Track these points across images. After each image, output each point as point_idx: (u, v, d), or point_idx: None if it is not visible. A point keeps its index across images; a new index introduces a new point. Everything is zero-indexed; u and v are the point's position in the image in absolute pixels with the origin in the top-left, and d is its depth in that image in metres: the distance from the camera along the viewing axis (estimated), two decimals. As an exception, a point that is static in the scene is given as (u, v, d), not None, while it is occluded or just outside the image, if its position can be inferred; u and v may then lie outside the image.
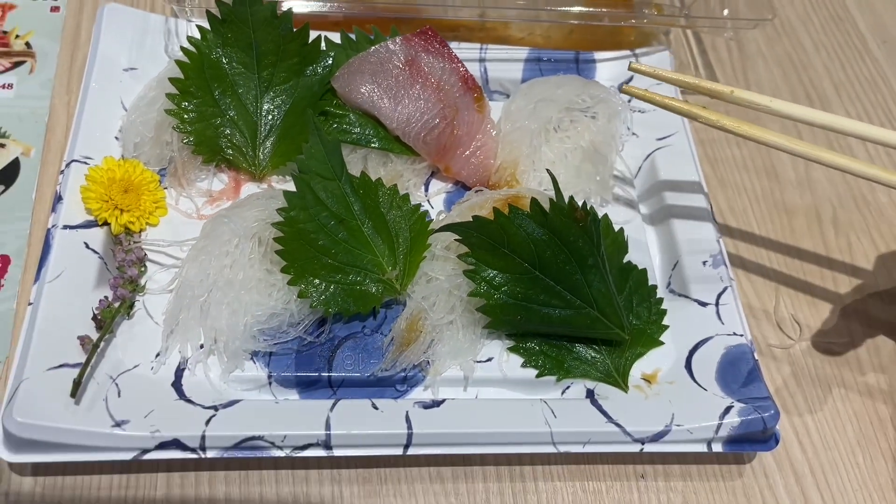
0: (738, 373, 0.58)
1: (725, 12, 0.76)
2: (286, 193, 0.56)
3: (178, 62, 0.62)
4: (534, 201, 0.55)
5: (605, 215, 0.62)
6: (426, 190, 0.68)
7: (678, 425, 0.55)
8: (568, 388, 0.59)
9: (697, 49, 0.85)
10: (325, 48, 0.66)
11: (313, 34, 0.65)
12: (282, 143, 0.65)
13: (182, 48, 0.63)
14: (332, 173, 0.58)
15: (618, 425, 0.55)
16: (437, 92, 0.65)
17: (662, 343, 0.61)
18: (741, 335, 0.60)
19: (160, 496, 0.53)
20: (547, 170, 0.59)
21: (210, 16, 0.63)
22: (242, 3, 0.63)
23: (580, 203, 0.56)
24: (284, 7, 0.65)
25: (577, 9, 0.73)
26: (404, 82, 0.65)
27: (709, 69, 0.84)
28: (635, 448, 0.55)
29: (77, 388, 0.50)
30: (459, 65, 0.68)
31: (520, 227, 0.55)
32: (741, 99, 0.57)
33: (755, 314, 0.67)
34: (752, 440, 0.56)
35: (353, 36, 0.69)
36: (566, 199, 0.56)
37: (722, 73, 0.84)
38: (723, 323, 0.61)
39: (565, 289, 0.57)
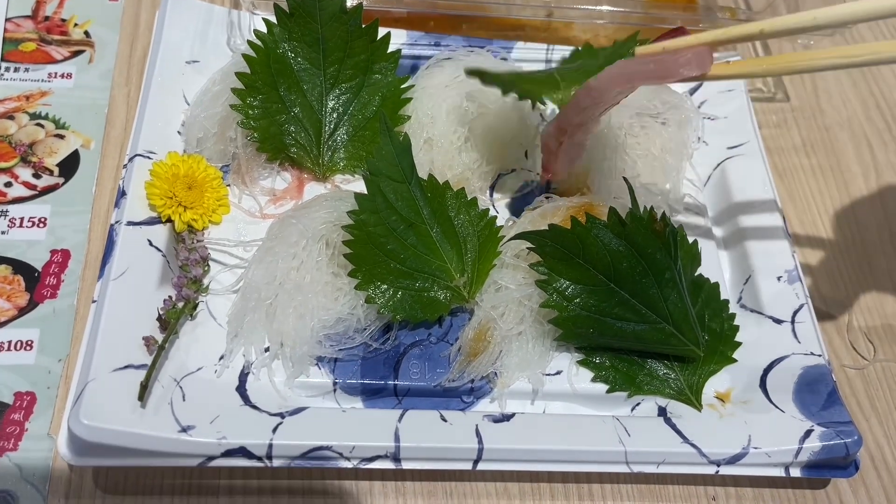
0: (817, 395, 0.56)
1: (800, 18, 0.73)
2: (357, 196, 0.55)
3: (245, 56, 0.61)
4: (612, 210, 0.53)
5: (681, 226, 0.59)
6: (491, 194, 0.66)
7: (756, 448, 0.53)
8: (638, 404, 0.57)
9: (764, 54, 0.83)
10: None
11: (381, 31, 0.63)
12: (347, 144, 0.63)
13: (249, 42, 0.61)
14: (402, 176, 0.56)
15: (693, 446, 0.53)
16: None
17: (735, 360, 0.59)
18: (819, 355, 0.58)
19: (222, 503, 0.52)
20: (623, 178, 0.57)
21: (278, 9, 0.61)
22: (312, -4, 0.61)
23: (657, 214, 0.54)
24: (351, 2, 0.64)
25: (647, 12, 0.71)
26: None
27: (776, 76, 0.81)
28: (710, 470, 0.53)
29: (144, 392, 0.49)
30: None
31: (597, 237, 0.53)
32: (778, 30, 0.48)
33: (826, 332, 0.65)
34: (830, 466, 0.54)
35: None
36: (641, 209, 0.54)
37: (789, 81, 0.81)
38: (799, 342, 0.59)
39: (640, 302, 0.55)
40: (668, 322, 0.55)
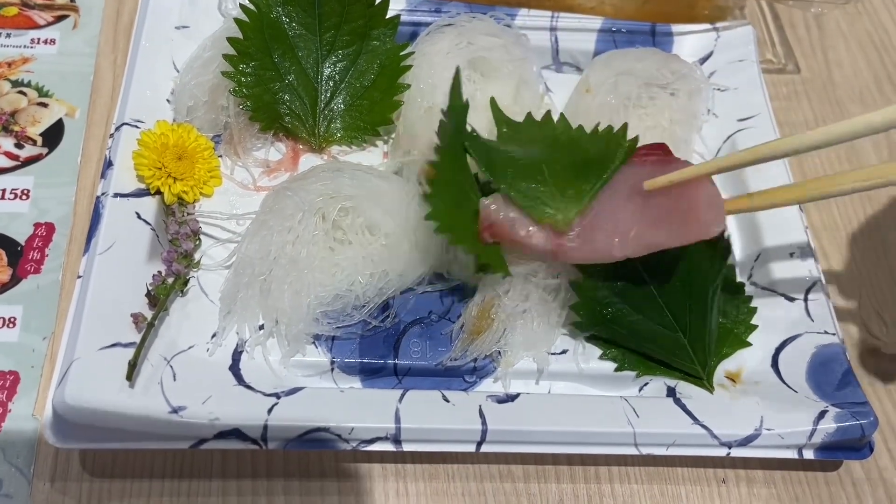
0: (832, 375, 0.54)
1: (814, -17, 0.71)
2: None
3: (237, 21, 0.58)
4: None
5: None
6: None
7: (769, 429, 0.51)
8: (646, 384, 0.55)
9: (774, 25, 0.80)
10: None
11: (380, -5, 0.61)
12: (344, 113, 0.60)
13: (241, 6, 0.58)
14: None
15: (704, 427, 0.51)
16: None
17: (750, 344, 0.57)
18: (833, 334, 0.56)
19: (216, 486, 0.50)
20: (634, 150, 0.54)
21: (271, -29, 0.58)
22: (306, -42, 0.58)
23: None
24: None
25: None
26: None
27: (786, 47, 0.79)
28: (721, 452, 0.51)
29: (133, 371, 0.46)
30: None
31: None
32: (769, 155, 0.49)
33: (838, 310, 0.63)
34: (844, 447, 0.52)
35: None
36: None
37: (800, 53, 0.79)
38: (812, 320, 0.57)
39: (664, 303, 0.53)
40: (685, 334, 0.53)
